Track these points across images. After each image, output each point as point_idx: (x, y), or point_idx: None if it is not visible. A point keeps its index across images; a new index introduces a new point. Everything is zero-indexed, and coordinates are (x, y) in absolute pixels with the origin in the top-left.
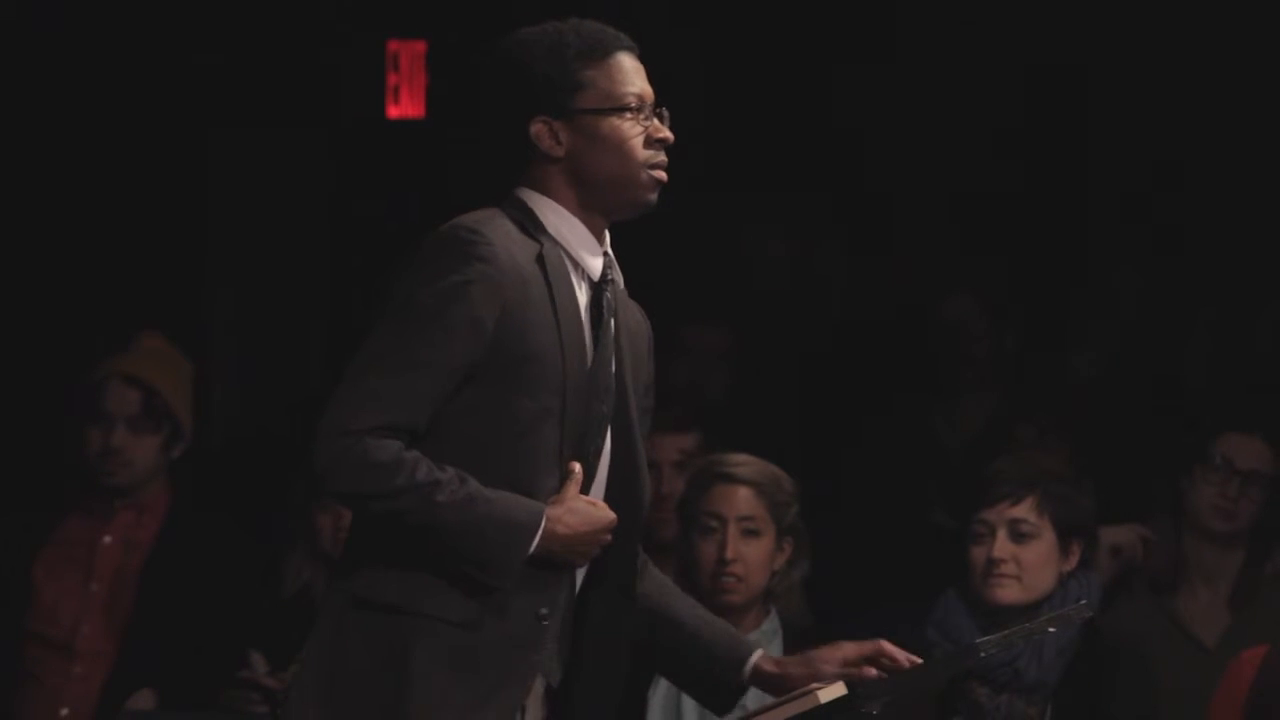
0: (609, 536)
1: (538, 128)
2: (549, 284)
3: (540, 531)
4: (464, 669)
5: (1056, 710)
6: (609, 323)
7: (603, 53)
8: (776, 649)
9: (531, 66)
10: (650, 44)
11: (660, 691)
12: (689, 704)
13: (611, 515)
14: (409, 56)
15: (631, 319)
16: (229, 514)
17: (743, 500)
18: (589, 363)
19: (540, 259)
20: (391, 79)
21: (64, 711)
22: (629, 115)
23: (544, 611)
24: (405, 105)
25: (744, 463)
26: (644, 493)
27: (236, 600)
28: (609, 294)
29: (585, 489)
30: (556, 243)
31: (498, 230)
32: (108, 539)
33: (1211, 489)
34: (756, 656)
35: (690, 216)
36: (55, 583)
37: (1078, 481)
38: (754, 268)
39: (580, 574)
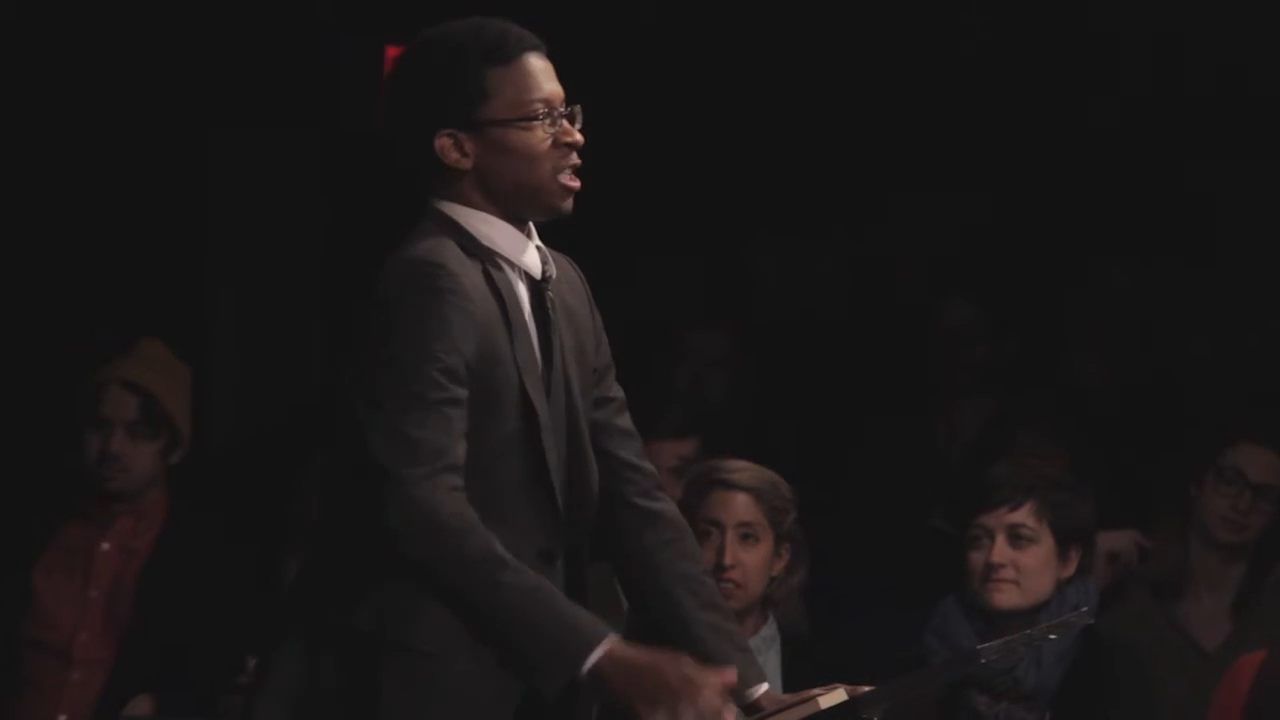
0: (717, 701)
1: (442, 141)
2: (502, 303)
3: (600, 651)
4: (437, 698)
5: (1056, 717)
6: (556, 323)
7: (507, 56)
8: (774, 655)
9: (433, 76)
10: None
11: None
12: None
13: (714, 680)
14: None
15: (566, 284)
16: (227, 519)
17: (741, 506)
18: (541, 378)
19: (488, 276)
20: None
21: (62, 718)
22: (537, 124)
23: None
24: None
25: (742, 469)
26: (594, 481)
27: (234, 606)
28: (550, 291)
29: (553, 501)
30: (493, 251)
31: (450, 256)
32: (106, 545)
33: (1223, 500)
34: (760, 692)
35: (692, 223)
36: (53, 589)
37: (1077, 487)
38: (754, 273)
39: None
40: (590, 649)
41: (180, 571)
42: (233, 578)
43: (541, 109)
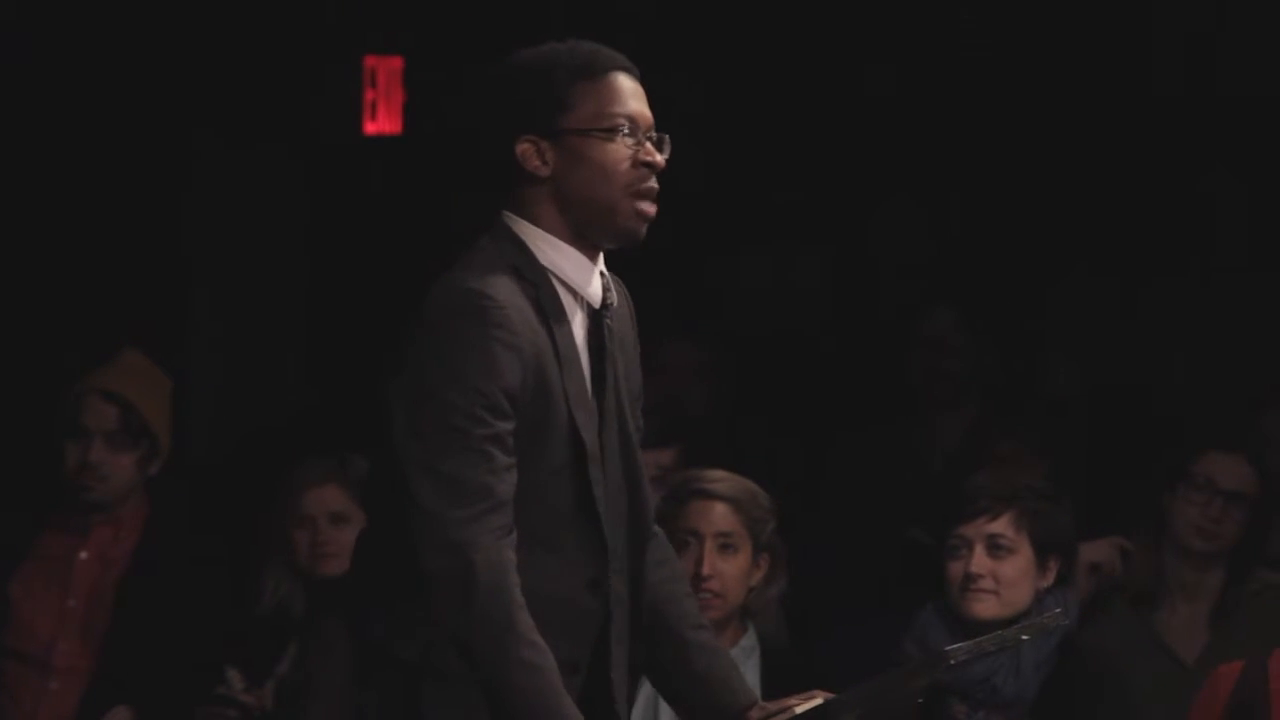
0: None
1: (524, 147)
2: (551, 335)
3: None
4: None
5: None
6: (612, 354)
7: (595, 72)
8: (754, 666)
9: (521, 84)
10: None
11: (641, 699)
12: (666, 711)
13: None
14: (386, 73)
15: (624, 323)
16: (205, 530)
17: (719, 516)
18: (592, 407)
19: (538, 304)
20: (368, 95)
21: None
22: (617, 137)
23: (576, 663)
24: (382, 121)
25: (721, 479)
26: (649, 523)
27: (213, 616)
28: (609, 319)
29: (599, 532)
30: (555, 276)
31: (500, 286)
32: (84, 555)
33: (1194, 509)
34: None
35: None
36: (31, 598)
37: (1056, 497)
38: (732, 283)
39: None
40: None
41: (159, 581)
42: (211, 588)
43: (623, 124)
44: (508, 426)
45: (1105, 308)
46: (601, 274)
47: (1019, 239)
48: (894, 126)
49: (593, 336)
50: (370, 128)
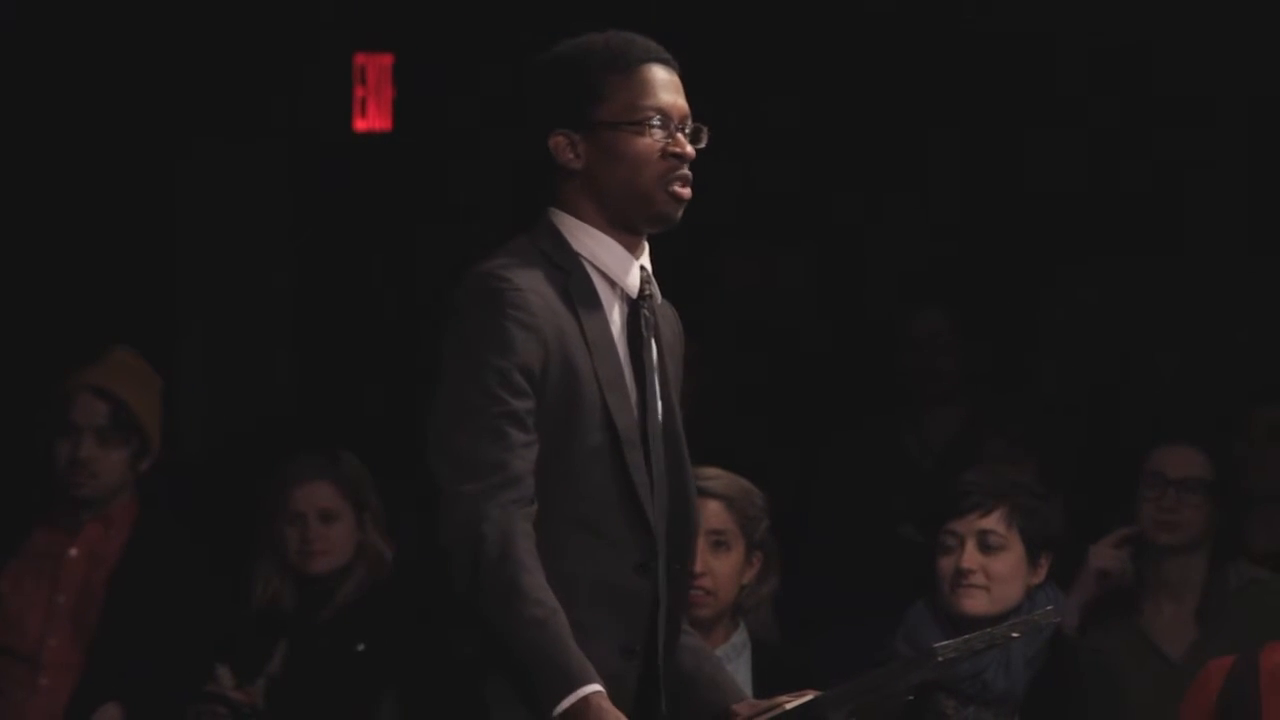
0: None
1: (557, 140)
2: (578, 319)
3: (575, 697)
4: None
5: None
6: (649, 341)
7: (628, 63)
8: (745, 663)
9: (554, 78)
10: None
11: None
12: None
13: None
14: (375, 70)
15: (668, 329)
16: (196, 527)
17: (712, 514)
18: (630, 391)
19: (567, 292)
20: (358, 92)
21: None
22: (648, 130)
23: (631, 647)
24: (372, 118)
25: (714, 476)
26: (694, 512)
27: (203, 614)
28: (646, 310)
29: (643, 515)
30: (591, 264)
31: (524, 272)
32: (74, 552)
33: (1150, 505)
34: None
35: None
36: (21, 595)
37: (1047, 494)
38: (723, 281)
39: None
40: (570, 691)
41: (149, 578)
42: (201, 585)
43: (655, 117)
44: (525, 404)
45: (1095, 306)
46: (643, 267)
47: (1011, 237)
48: (887, 122)
49: (630, 325)
50: (360, 125)
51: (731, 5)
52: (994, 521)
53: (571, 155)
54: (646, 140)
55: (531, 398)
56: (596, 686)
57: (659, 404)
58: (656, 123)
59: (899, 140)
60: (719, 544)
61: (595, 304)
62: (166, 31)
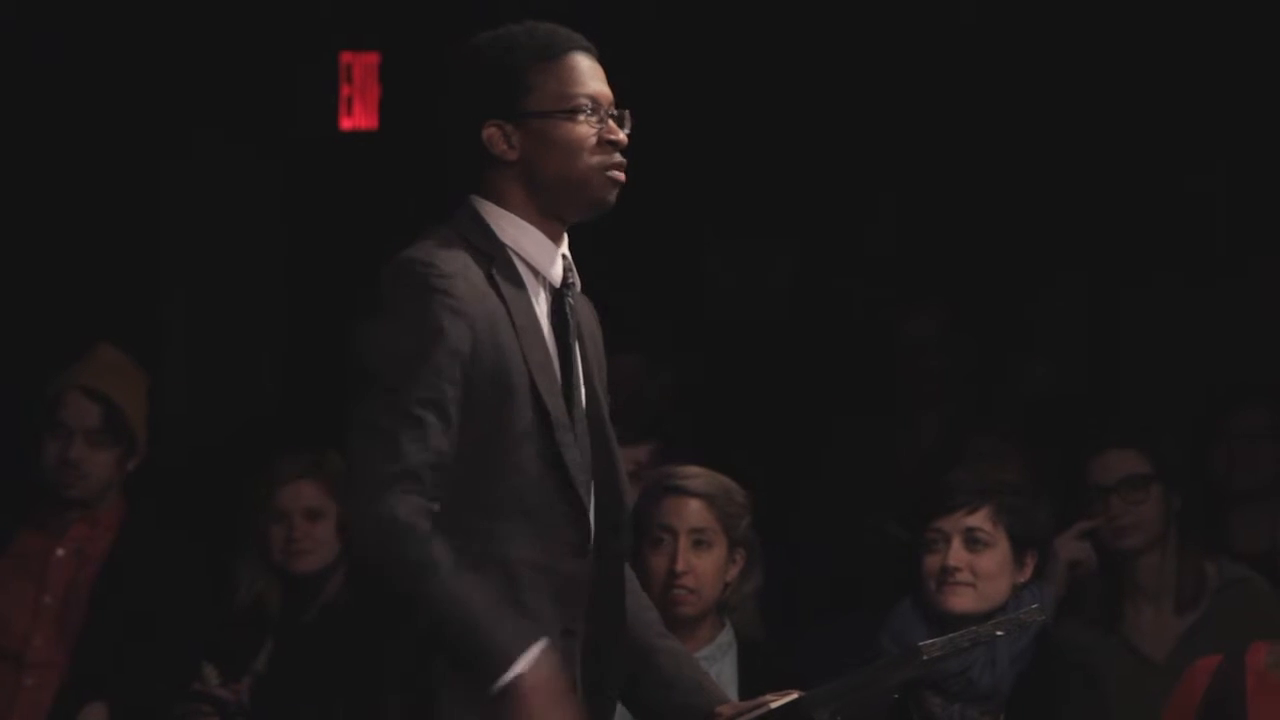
0: None
1: (490, 131)
2: (505, 303)
3: (516, 671)
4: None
5: (1009, 718)
6: (574, 328)
7: (555, 53)
8: (731, 662)
9: (482, 70)
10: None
11: None
12: None
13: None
14: (362, 68)
15: (588, 320)
16: (181, 527)
17: (694, 512)
18: (557, 376)
19: (491, 277)
20: (344, 91)
21: None
22: (580, 117)
23: (570, 628)
24: (358, 117)
25: (695, 475)
26: (627, 495)
27: (189, 613)
28: (570, 299)
29: (575, 495)
30: (515, 252)
31: (449, 257)
32: (60, 551)
33: (1101, 516)
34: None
35: (646, 232)
36: (6, 594)
37: (1033, 493)
38: (709, 279)
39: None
40: (507, 666)
41: (135, 579)
42: (187, 585)
43: (585, 103)
44: (449, 390)
45: (1084, 307)
46: (564, 256)
47: (1001, 237)
48: (876, 124)
49: (555, 312)
50: (346, 123)
51: (727, 7)
52: (980, 519)
53: (505, 146)
54: (581, 128)
55: (458, 384)
56: (530, 653)
57: (585, 391)
58: (589, 109)
59: (887, 138)
60: (701, 542)
61: (520, 290)
62: (153, 30)
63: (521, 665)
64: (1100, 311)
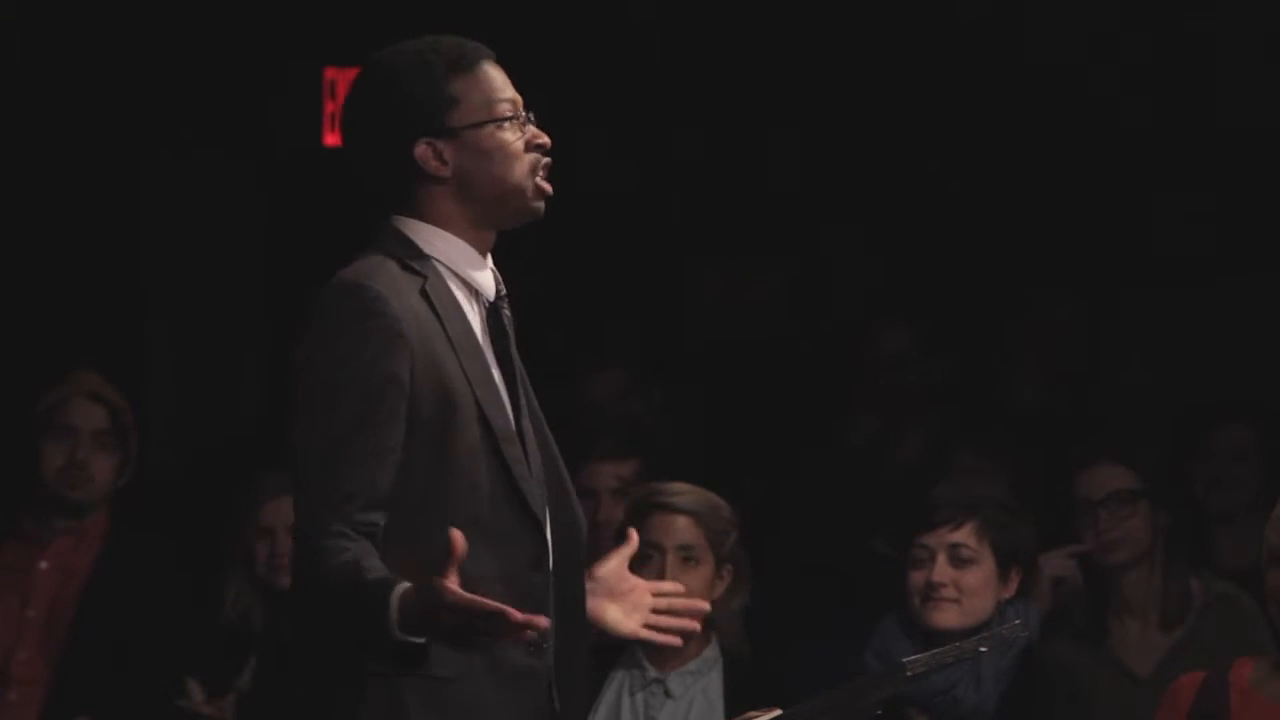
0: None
1: (422, 149)
2: (439, 319)
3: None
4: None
5: None
6: (513, 340)
7: (469, 65)
8: (717, 678)
9: (402, 88)
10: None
11: (603, 707)
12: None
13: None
14: (345, 84)
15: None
16: (166, 542)
17: (681, 529)
18: (500, 389)
19: (424, 293)
20: (328, 106)
21: None
22: (508, 124)
23: (536, 642)
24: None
25: (682, 491)
26: (577, 506)
27: (173, 628)
28: (505, 310)
29: (529, 509)
30: (445, 267)
31: (381, 277)
32: (44, 565)
33: (1088, 530)
34: None
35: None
36: None
37: (1018, 509)
38: (692, 295)
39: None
40: (387, 607)
41: (120, 592)
42: (172, 599)
43: (510, 110)
44: (390, 414)
45: (1069, 322)
46: (492, 270)
47: (983, 252)
48: (858, 139)
49: (492, 325)
50: (330, 139)
51: (721, 28)
52: (965, 535)
53: (438, 162)
54: (509, 135)
55: (399, 407)
56: (401, 586)
57: (526, 402)
58: (512, 116)
59: (873, 155)
60: (689, 559)
61: (454, 305)
62: (136, 44)
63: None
64: (1085, 326)
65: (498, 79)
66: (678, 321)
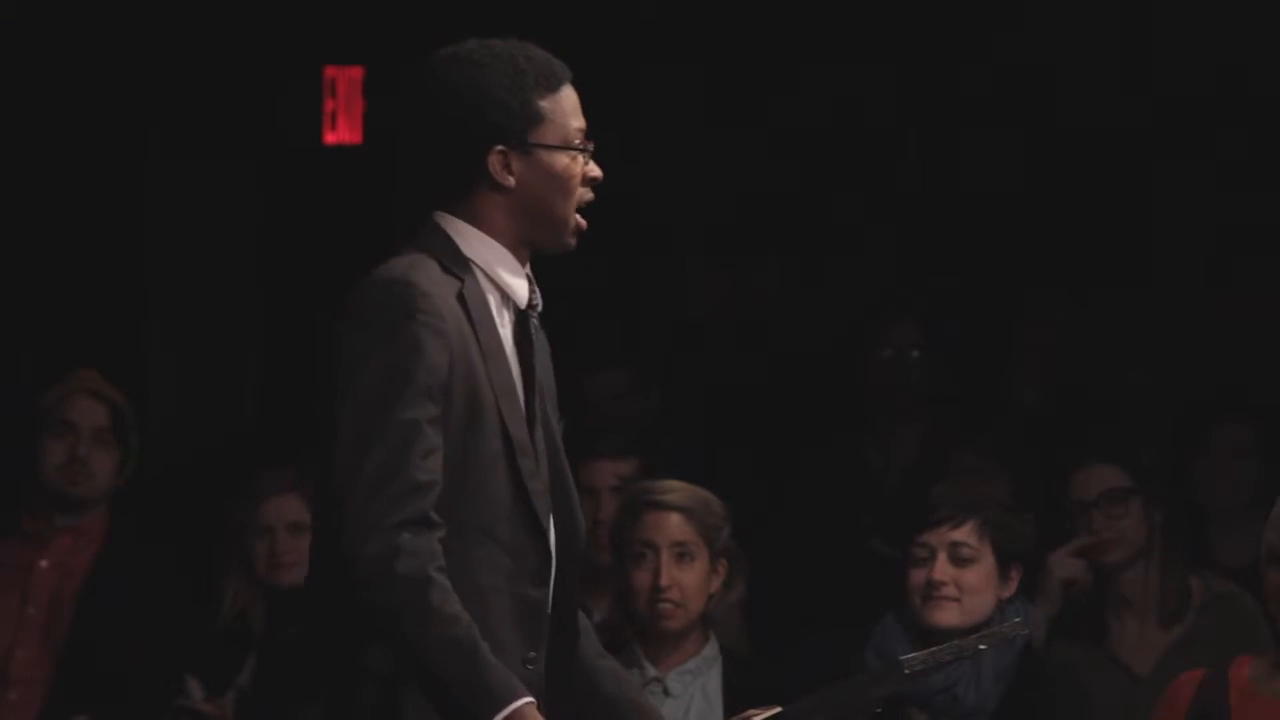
0: None
1: (494, 157)
2: (472, 325)
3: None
4: None
5: None
6: (537, 351)
7: (557, 82)
8: (716, 675)
9: (491, 93)
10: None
11: None
12: None
13: None
14: (346, 83)
15: (542, 345)
16: (165, 541)
17: (674, 526)
18: (521, 401)
19: (461, 297)
20: (328, 105)
21: None
22: (579, 155)
23: (531, 655)
24: (342, 132)
25: (673, 489)
26: (580, 520)
27: (173, 627)
28: (534, 320)
29: (537, 523)
30: (483, 272)
31: (425, 275)
32: (44, 563)
33: (1085, 532)
34: None
35: (629, 246)
36: None
37: (1018, 508)
38: (692, 296)
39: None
40: (497, 710)
41: (119, 591)
42: (170, 598)
43: (580, 140)
44: (435, 412)
45: (1068, 321)
46: (529, 277)
47: (983, 253)
48: (858, 139)
49: (519, 334)
50: (330, 138)
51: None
52: (966, 534)
53: (505, 173)
54: (575, 164)
55: (439, 404)
56: (526, 699)
57: (541, 416)
58: (582, 147)
59: (869, 155)
60: (683, 555)
61: (487, 311)
62: (136, 44)
63: (518, 708)
64: (1082, 326)
65: (576, 105)
66: (678, 322)
